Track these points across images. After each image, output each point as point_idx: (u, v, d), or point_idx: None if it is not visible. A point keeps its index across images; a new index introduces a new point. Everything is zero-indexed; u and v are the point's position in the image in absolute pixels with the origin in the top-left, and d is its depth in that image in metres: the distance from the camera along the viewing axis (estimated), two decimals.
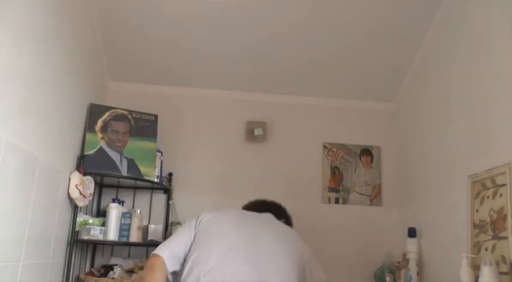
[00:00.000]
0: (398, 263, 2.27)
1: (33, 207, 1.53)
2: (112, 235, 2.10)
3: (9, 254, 1.39)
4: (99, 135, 2.16)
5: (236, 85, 2.64)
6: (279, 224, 1.72)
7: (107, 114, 2.22)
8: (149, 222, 2.37)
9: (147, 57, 2.43)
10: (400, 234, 2.42)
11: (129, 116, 2.28)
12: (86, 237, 2.00)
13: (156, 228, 2.26)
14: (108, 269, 2.13)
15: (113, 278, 2.05)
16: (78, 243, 2.05)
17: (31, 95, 1.48)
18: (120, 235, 2.13)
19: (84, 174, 2.00)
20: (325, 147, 2.67)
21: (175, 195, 2.45)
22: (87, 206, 2.14)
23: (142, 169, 2.21)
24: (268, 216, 1.73)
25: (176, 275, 1.53)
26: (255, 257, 1.47)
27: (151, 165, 2.25)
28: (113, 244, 2.23)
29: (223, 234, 1.53)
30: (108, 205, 2.17)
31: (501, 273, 1.56)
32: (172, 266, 1.50)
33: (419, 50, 2.38)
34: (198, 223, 1.59)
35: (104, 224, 2.10)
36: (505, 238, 1.59)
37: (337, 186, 2.63)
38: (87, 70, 2.15)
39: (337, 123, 2.71)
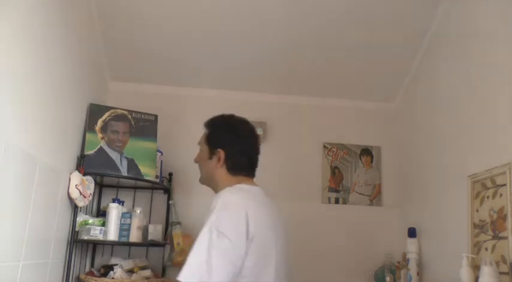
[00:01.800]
0: (398, 263, 2.27)
1: (33, 207, 1.53)
2: (112, 235, 2.10)
3: (9, 254, 1.39)
4: (99, 135, 2.16)
5: (236, 85, 2.63)
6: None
7: (107, 114, 2.22)
8: (149, 222, 2.37)
9: (147, 57, 2.43)
10: (400, 234, 2.42)
11: (129, 116, 2.28)
12: (86, 237, 2.00)
13: (156, 228, 2.26)
14: (108, 269, 2.13)
15: (112, 278, 2.05)
16: (78, 243, 2.05)
17: (31, 95, 1.48)
18: (120, 235, 2.13)
19: (84, 174, 2.00)
20: (325, 147, 2.67)
21: (175, 195, 2.45)
22: (87, 206, 2.13)
23: (142, 169, 2.21)
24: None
25: None
26: None
27: (151, 165, 2.25)
28: (113, 244, 2.23)
29: (270, 268, 1.34)
30: (108, 205, 2.17)
31: (501, 273, 1.56)
32: None
33: (420, 50, 2.38)
34: (250, 239, 1.28)
35: (104, 224, 2.10)
36: (505, 238, 1.59)
37: (337, 186, 2.63)
38: (87, 70, 2.15)
39: (337, 123, 2.71)
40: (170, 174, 2.46)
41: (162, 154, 2.37)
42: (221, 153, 1.51)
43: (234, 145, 1.53)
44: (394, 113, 2.73)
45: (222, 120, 1.64)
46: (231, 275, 1.24)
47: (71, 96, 1.92)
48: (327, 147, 2.67)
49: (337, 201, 2.60)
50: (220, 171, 1.52)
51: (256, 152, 1.58)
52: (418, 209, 2.36)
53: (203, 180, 1.64)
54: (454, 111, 2.06)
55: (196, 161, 1.66)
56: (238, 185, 1.48)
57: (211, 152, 1.54)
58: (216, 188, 1.55)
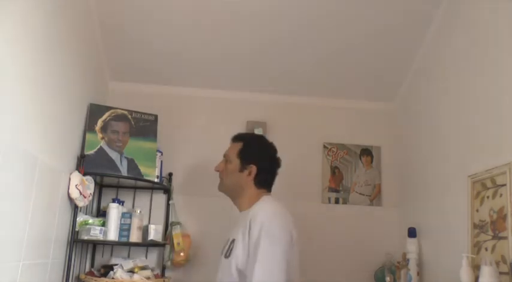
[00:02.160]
0: (398, 263, 2.27)
1: (33, 207, 1.53)
2: (112, 235, 2.10)
3: (9, 254, 1.39)
4: (99, 135, 2.16)
5: (236, 85, 2.63)
6: None
7: (107, 114, 2.22)
8: (149, 222, 2.37)
9: (147, 57, 2.43)
10: (400, 234, 2.42)
11: (129, 116, 2.28)
12: (86, 237, 2.00)
13: (156, 228, 2.26)
14: (108, 269, 2.13)
15: (112, 278, 2.05)
16: (78, 243, 2.05)
17: (31, 95, 1.48)
18: (120, 235, 2.14)
19: (84, 174, 2.00)
20: (325, 147, 2.67)
21: (175, 195, 2.45)
22: (87, 206, 2.13)
23: (143, 169, 2.21)
24: None
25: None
26: None
27: (151, 165, 2.25)
28: (113, 244, 2.23)
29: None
30: (108, 205, 2.17)
31: (501, 273, 1.56)
32: None
33: (420, 49, 2.38)
34: (293, 243, 1.58)
35: (104, 224, 2.10)
36: (505, 238, 1.59)
37: (337, 186, 2.62)
38: (87, 70, 2.15)
39: (337, 123, 2.71)
40: (170, 174, 2.46)
41: (162, 154, 2.37)
42: (253, 168, 1.71)
43: (265, 163, 1.74)
44: (394, 113, 2.73)
45: (255, 138, 1.89)
46: (286, 272, 1.47)
47: (71, 96, 1.92)
48: (327, 147, 2.67)
49: (337, 201, 2.60)
50: (249, 185, 1.72)
51: (277, 171, 1.80)
52: (418, 209, 2.36)
53: (226, 189, 1.82)
54: (454, 111, 2.06)
55: (220, 170, 1.83)
56: (266, 197, 1.69)
57: (243, 166, 1.73)
58: (238, 198, 1.76)
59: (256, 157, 1.74)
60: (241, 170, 1.74)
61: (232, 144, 1.85)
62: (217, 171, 1.84)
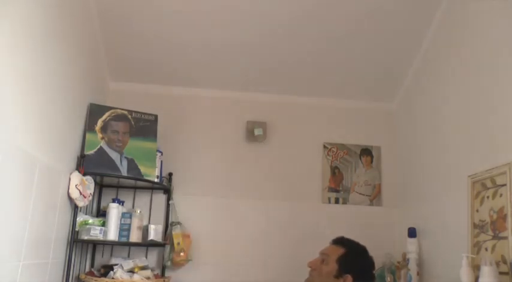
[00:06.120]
0: (398, 263, 2.27)
1: (33, 207, 1.53)
2: (112, 235, 2.10)
3: (9, 254, 1.39)
4: (99, 135, 2.16)
5: (236, 85, 2.63)
6: None
7: (107, 114, 2.22)
8: (149, 222, 2.37)
9: (147, 57, 2.43)
10: (400, 234, 2.42)
11: (129, 116, 2.28)
12: (86, 237, 2.00)
13: (156, 228, 2.26)
14: (108, 269, 2.13)
15: (112, 278, 2.05)
16: (78, 243, 2.05)
17: (31, 95, 1.48)
18: (120, 235, 2.14)
19: (84, 174, 2.00)
20: (325, 147, 2.67)
21: (175, 195, 2.45)
22: (87, 206, 2.14)
23: (143, 169, 2.21)
24: None
25: None
26: None
27: (152, 165, 2.25)
28: (113, 244, 2.23)
29: None
30: (108, 205, 2.17)
31: (501, 273, 1.56)
32: None
33: (420, 49, 2.38)
34: None
35: (104, 224, 2.10)
36: (505, 238, 1.59)
37: (337, 186, 2.62)
38: (87, 70, 2.15)
39: (337, 123, 2.71)
40: (170, 174, 2.46)
41: (162, 154, 2.37)
42: (349, 279, 1.67)
43: (363, 276, 1.69)
44: (394, 113, 2.73)
45: (360, 248, 1.80)
46: None
47: (71, 96, 1.92)
48: (327, 147, 2.67)
49: (337, 201, 2.60)
50: None
51: None
52: (418, 209, 2.36)
53: None
54: (453, 111, 2.06)
55: (314, 268, 1.77)
56: None
57: (340, 273, 1.68)
58: None
59: (356, 268, 1.70)
60: (337, 276, 1.69)
61: (333, 246, 1.81)
62: (310, 267, 1.79)
